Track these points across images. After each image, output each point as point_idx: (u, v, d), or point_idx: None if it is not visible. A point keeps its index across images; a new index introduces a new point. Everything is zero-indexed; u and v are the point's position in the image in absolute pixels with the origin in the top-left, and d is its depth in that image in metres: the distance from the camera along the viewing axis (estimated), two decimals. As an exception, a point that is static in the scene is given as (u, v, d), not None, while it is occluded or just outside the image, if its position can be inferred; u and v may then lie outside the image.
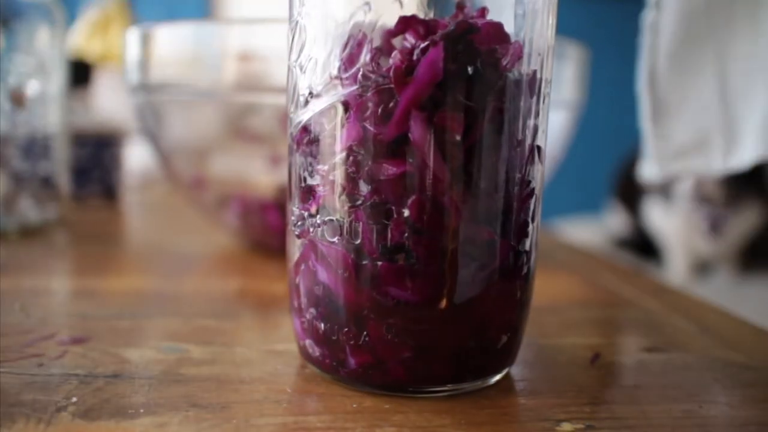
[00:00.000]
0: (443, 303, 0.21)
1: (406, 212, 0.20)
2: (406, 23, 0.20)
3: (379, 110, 0.20)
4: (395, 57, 0.20)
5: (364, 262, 0.21)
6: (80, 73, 0.65)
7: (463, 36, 0.20)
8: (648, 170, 0.37)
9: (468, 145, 0.20)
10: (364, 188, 0.21)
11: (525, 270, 0.23)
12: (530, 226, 0.23)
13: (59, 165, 0.50)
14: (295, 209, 0.23)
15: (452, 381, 0.22)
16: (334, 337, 0.22)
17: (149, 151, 0.51)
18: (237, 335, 0.28)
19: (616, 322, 0.33)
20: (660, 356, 0.27)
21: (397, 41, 0.20)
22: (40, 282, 0.36)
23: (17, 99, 0.46)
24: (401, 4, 0.20)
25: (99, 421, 0.19)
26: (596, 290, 0.38)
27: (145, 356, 0.25)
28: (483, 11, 0.20)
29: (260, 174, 0.43)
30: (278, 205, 0.41)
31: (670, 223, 1.24)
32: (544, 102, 0.22)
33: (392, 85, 0.20)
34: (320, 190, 0.22)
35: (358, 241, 0.21)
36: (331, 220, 0.21)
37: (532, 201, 0.23)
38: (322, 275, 0.22)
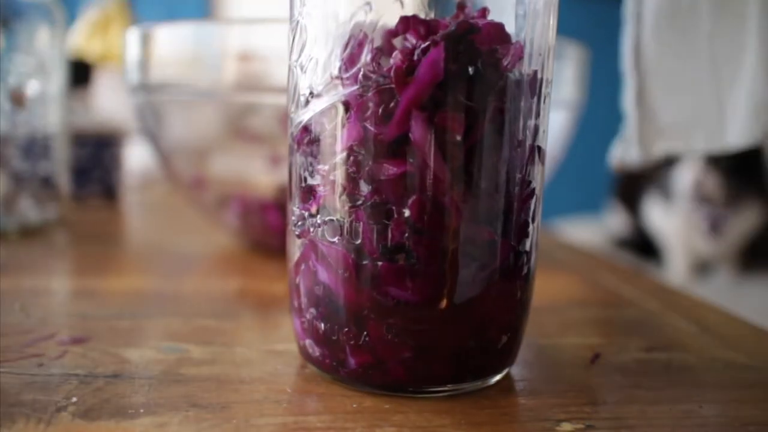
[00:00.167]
0: (443, 303, 0.21)
1: (407, 212, 0.20)
2: (407, 23, 0.20)
3: (380, 110, 0.20)
4: (396, 57, 0.20)
5: (365, 262, 0.21)
6: (80, 73, 0.65)
7: (464, 36, 0.20)
8: (627, 151, 0.36)
9: (469, 146, 0.20)
10: (364, 188, 0.21)
11: (525, 270, 0.23)
12: (530, 227, 0.23)
13: (59, 165, 0.50)
14: (295, 209, 0.23)
15: (452, 381, 0.22)
16: (334, 337, 0.22)
17: (149, 151, 0.51)
18: (237, 335, 0.28)
19: (616, 322, 0.33)
20: (660, 356, 0.27)
21: (397, 41, 0.20)
22: (40, 282, 0.36)
23: (17, 99, 0.46)
24: (402, 4, 0.20)
25: (99, 421, 0.19)
26: (596, 290, 0.38)
27: (145, 356, 0.25)
28: (484, 11, 0.20)
29: (260, 174, 0.43)
30: (278, 205, 0.41)
31: (670, 223, 1.25)
32: (544, 102, 0.23)
33: (393, 85, 0.20)
34: (321, 190, 0.22)
35: (359, 241, 0.21)
36: (332, 220, 0.21)
37: (533, 201, 0.23)
38: (323, 275, 0.22)
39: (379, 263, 0.21)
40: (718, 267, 1.25)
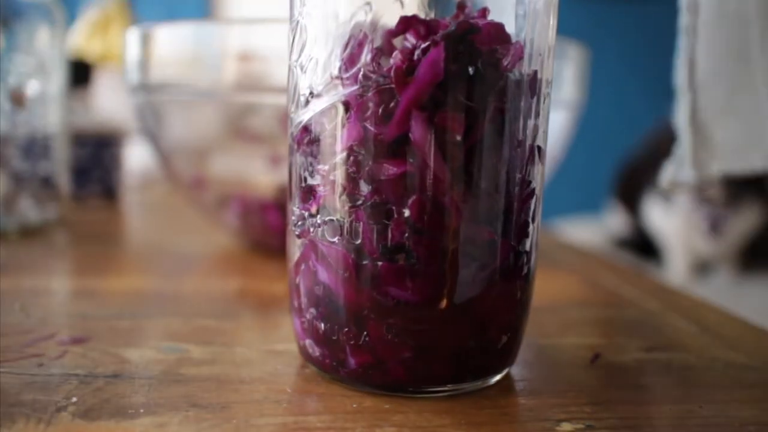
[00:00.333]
0: (443, 303, 0.21)
1: (407, 212, 0.20)
2: (407, 23, 0.20)
3: (380, 110, 0.20)
4: (396, 57, 0.20)
5: (365, 262, 0.21)
6: (80, 73, 0.65)
7: (464, 36, 0.20)
8: (680, 172, 0.35)
9: (469, 146, 0.20)
10: (364, 188, 0.21)
11: (525, 270, 0.23)
12: (530, 227, 0.23)
13: (59, 165, 0.50)
14: (295, 209, 0.23)
15: (452, 381, 0.22)
16: (334, 337, 0.22)
17: (149, 151, 0.51)
18: (237, 335, 0.28)
19: (616, 322, 0.33)
20: (660, 356, 0.27)
21: (397, 41, 0.20)
22: (40, 282, 0.36)
23: (17, 99, 0.46)
24: (402, 4, 0.20)
25: (99, 421, 0.19)
26: (596, 290, 0.38)
27: (145, 356, 0.25)
28: (484, 11, 0.20)
29: (260, 174, 0.43)
30: (278, 205, 0.41)
31: (670, 223, 1.25)
32: (544, 102, 0.23)
33: (393, 85, 0.20)
34: (321, 190, 0.22)
35: (359, 241, 0.21)
36: (332, 220, 0.21)
37: (533, 201, 0.23)
38: (323, 275, 0.22)
39: (379, 263, 0.21)
40: (718, 267, 1.25)
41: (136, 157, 0.79)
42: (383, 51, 0.20)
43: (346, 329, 0.22)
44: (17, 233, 0.46)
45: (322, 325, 0.22)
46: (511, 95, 0.21)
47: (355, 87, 0.20)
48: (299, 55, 0.22)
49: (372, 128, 0.20)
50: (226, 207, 0.43)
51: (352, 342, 0.22)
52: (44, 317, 0.29)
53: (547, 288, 0.36)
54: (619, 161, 1.50)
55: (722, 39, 0.32)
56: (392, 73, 0.20)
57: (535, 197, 0.23)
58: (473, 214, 0.21)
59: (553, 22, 0.22)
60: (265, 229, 0.42)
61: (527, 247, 0.23)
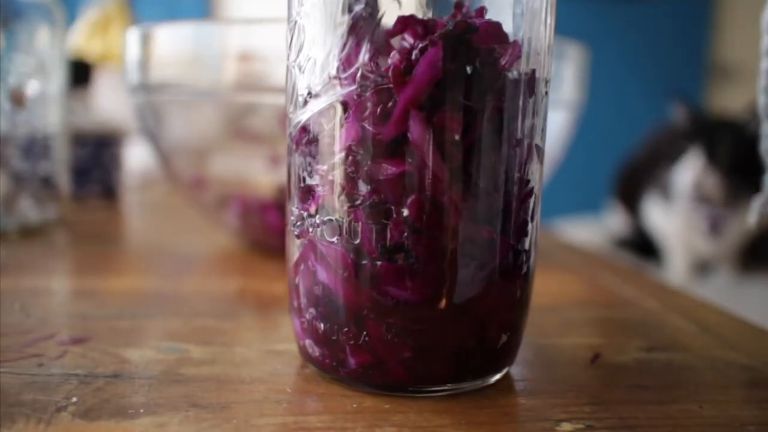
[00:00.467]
0: (443, 303, 0.21)
1: (406, 212, 0.20)
2: (404, 23, 0.20)
3: (378, 110, 0.20)
4: (394, 57, 0.20)
5: (364, 262, 0.21)
6: (80, 73, 0.65)
7: (462, 36, 0.20)
8: None
9: (467, 145, 0.20)
10: (363, 188, 0.21)
11: (525, 269, 0.23)
12: (530, 225, 0.23)
13: (59, 165, 0.50)
14: (294, 209, 0.23)
15: (452, 381, 0.22)
16: (333, 337, 0.22)
17: (149, 151, 0.51)
18: (237, 335, 0.28)
19: (616, 322, 0.33)
20: (660, 356, 0.27)
21: (395, 41, 0.20)
22: (40, 282, 0.36)
23: (17, 99, 0.46)
24: (400, 3, 0.20)
25: (99, 421, 0.19)
26: (596, 290, 0.38)
27: (145, 356, 0.25)
28: (481, 11, 0.20)
29: (260, 174, 0.43)
30: (278, 205, 0.41)
31: (670, 223, 1.24)
32: (542, 101, 0.22)
33: (391, 85, 0.20)
34: (319, 190, 0.22)
35: (358, 241, 0.21)
36: (331, 220, 0.21)
37: (532, 200, 0.23)
38: (322, 275, 0.22)
39: (378, 263, 0.21)
40: (718, 267, 1.25)
41: (136, 157, 0.79)
42: (381, 51, 0.20)
43: (346, 329, 0.22)
44: (17, 233, 0.46)
45: (322, 325, 0.22)
46: (509, 94, 0.21)
47: (354, 87, 0.20)
48: (297, 56, 0.22)
49: (370, 128, 0.20)
50: (226, 207, 0.43)
51: (351, 342, 0.22)
52: (44, 317, 0.29)
53: (547, 288, 0.36)
54: (619, 161, 1.50)
55: None
56: (390, 73, 0.20)
57: (534, 196, 0.23)
58: (472, 213, 0.21)
59: (550, 20, 0.22)
60: (264, 229, 0.42)
61: (526, 246, 0.23)
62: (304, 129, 0.22)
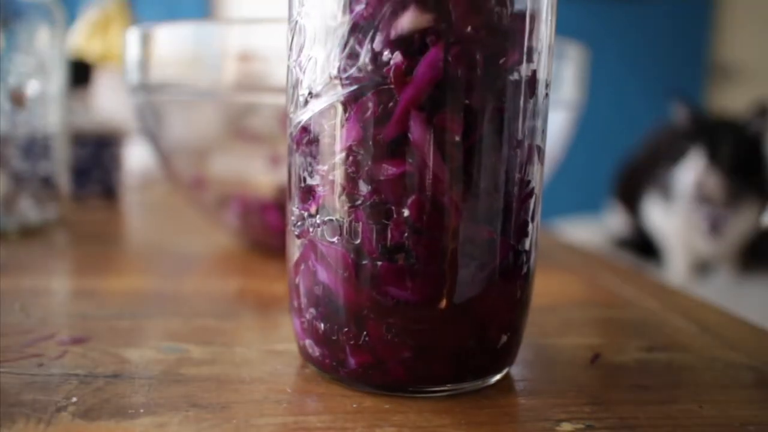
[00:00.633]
0: (443, 303, 0.21)
1: (406, 212, 0.20)
2: (405, 23, 0.20)
3: (379, 110, 0.20)
4: (395, 57, 0.20)
5: (364, 262, 0.21)
6: (80, 73, 0.65)
7: (462, 36, 0.20)
8: None
9: (468, 145, 0.20)
10: (363, 188, 0.21)
11: (525, 270, 0.23)
12: (530, 226, 0.23)
13: (59, 165, 0.50)
14: (294, 209, 0.23)
15: (452, 381, 0.22)
16: (334, 337, 0.22)
17: (149, 151, 0.51)
18: (237, 335, 0.28)
19: (616, 322, 0.33)
20: (660, 356, 0.27)
21: (396, 41, 0.20)
22: (40, 282, 0.36)
23: (17, 99, 0.46)
24: (400, 4, 0.20)
25: (99, 421, 0.19)
26: (596, 290, 0.38)
27: (145, 356, 0.25)
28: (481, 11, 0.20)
29: (260, 174, 0.43)
30: (278, 205, 0.41)
31: (670, 223, 1.24)
32: (543, 102, 0.22)
33: (392, 86, 0.20)
34: (320, 190, 0.22)
35: (358, 241, 0.21)
36: (331, 220, 0.21)
37: (532, 201, 0.23)
38: (322, 275, 0.22)
39: (379, 263, 0.21)
40: (718, 267, 1.25)
41: (136, 157, 0.79)
42: (382, 51, 0.20)
43: (346, 329, 0.22)
44: (17, 233, 0.46)
45: (322, 325, 0.22)
46: (509, 95, 0.21)
47: (354, 87, 0.20)
48: (298, 56, 0.22)
49: (371, 128, 0.20)
50: (226, 207, 0.43)
51: (351, 342, 0.22)
52: (44, 317, 0.29)
53: (547, 288, 0.36)
54: (619, 161, 1.50)
55: None
56: (391, 74, 0.20)
57: (534, 196, 0.23)
58: (472, 213, 0.21)
59: (552, 21, 0.22)
60: (265, 229, 0.42)
61: (527, 246, 0.23)
62: (305, 129, 0.22)
